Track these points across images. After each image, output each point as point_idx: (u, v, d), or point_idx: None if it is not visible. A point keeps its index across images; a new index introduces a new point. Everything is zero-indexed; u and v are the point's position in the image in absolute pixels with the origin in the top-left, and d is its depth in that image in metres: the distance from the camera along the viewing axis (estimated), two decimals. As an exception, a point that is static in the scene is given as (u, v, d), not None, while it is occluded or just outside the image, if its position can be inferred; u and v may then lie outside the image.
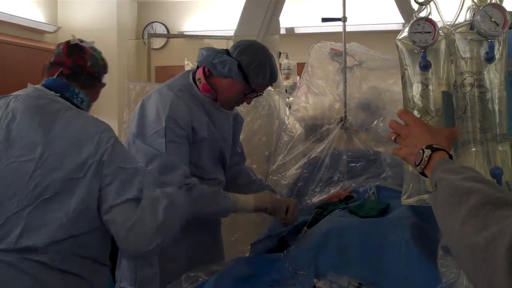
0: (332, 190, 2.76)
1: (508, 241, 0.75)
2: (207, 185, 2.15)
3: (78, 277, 1.65)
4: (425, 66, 1.36)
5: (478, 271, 0.81)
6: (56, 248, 1.59)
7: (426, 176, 1.21)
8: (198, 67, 2.23)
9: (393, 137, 1.35)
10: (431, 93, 1.38)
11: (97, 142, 1.67)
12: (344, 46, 2.92)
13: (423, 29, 1.33)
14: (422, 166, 1.21)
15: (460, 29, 1.30)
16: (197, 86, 2.21)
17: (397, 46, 1.40)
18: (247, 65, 2.12)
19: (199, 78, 2.20)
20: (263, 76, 2.15)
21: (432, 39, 1.33)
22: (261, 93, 2.28)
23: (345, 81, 2.88)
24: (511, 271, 0.73)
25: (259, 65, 2.13)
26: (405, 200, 1.42)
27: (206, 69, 2.18)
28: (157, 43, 7.29)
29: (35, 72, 6.58)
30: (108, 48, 6.65)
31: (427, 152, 1.20)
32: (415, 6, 1.40)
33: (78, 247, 1.64)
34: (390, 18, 5.32)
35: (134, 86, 3.04)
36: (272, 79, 2.20)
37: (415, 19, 1.36)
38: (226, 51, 2.19)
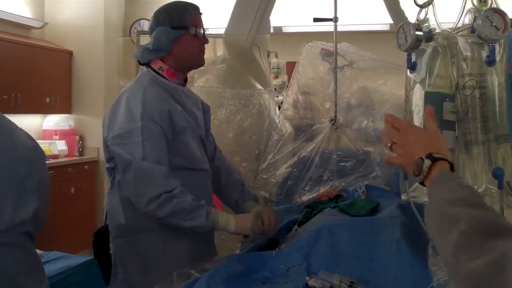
0: (322, 189, 2.77)
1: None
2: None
3: None
4: (410, 68, 1.41)
5: None
6: None
7: (424, 186, 1.17)
8: (147, 64, 2.21)
9: (388, 144, 1.29)
10: (415, 94, 1.41)
11: None
12: (335, 46, 2.93)
13: (404, 33, 1.38)
14: (421, 177, 1.16)
15: (461, 32, 1.33)
16: (161, 76, 2.18)
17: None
18: (169, 18, 2.15)
19: (160, 67, 2.18)
20: (185, 10, 2.17)
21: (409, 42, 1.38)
22: (205, 29, 2.26)
23: (335, 81, 2.89)
24: None
25: (174, 9, 2.17)
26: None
27: (160, 58, 2.18)
28: (144, 40, 7.25)
29: (21, 67, 6.52)
30: (95, 44, 6.67)
31: (427, 162, 1.15)
32: (404, 8, 1.44)
33: None
34: (380, 19, 5.35)
35: (125, 83, 3.02)
36: (193, 6, 2.21)
37: (401, 24, 1.41)
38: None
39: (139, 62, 2.24)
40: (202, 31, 2.22)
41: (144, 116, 2.02)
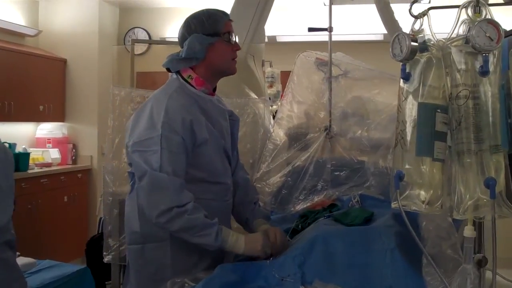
0: (316, 198, 2.76)
1: None
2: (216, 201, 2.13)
3: None
4: (403, 78, 1.42)
5: None
6: None
7: None
8: (178, 72, 2.20)
9: None
10: (408, 105, 1.42)
11: None
12: (330, 56, 2.94)
13: (399, 43, 1.39)
14: None
15: (455, 43, 1.34)
16: (189, 84, 2.17)
17: None
18: (202, 25, 2.13)
19: (189, 75, 2.17)
20: (218, 17, 2.16)
21: (404, 53, 1.39)
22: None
23: (330, 90, 2.90)
24: None
25: (206, 15, 2.15)
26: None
27: (190, 67, 2.17)
28: (139, 48, 7.26)
29: (15, 75, 6.52)
30: (89, 52, 6.68)
31: None
32: (398, 18, 1.45)
33: None
34: (375, 29, 5.38)
35: (119, 91, 3.01)
36: (223, 13, 2.20)
37: (396, 34, 1.42)
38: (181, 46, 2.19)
39: (168, 69, 2.22)
40: (234, 38, 2.21)
41: (165, 125, 2.00)
